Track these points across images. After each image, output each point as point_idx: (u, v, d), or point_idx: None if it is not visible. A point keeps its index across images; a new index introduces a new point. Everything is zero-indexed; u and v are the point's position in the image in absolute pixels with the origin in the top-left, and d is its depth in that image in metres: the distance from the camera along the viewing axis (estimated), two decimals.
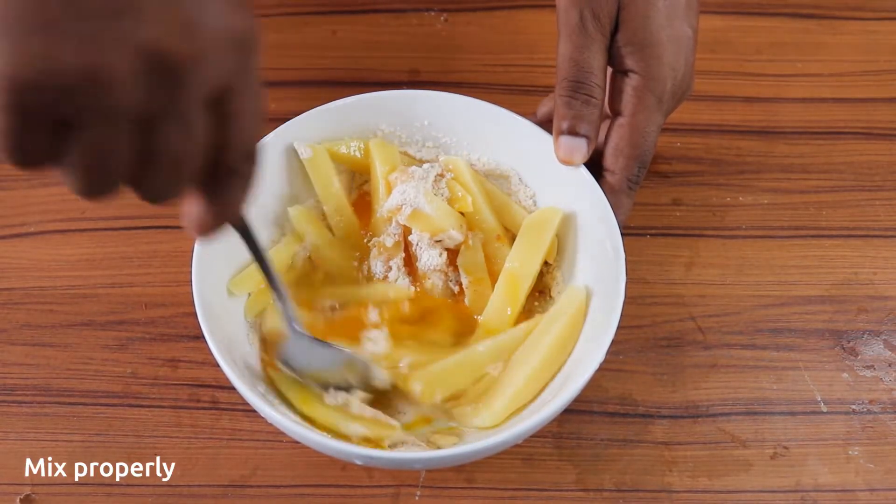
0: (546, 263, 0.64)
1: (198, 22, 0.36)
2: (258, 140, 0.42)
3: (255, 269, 0.56)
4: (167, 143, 0.37)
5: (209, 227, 0.43)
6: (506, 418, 0.57)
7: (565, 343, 0.59)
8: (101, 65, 0.34)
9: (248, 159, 0.41)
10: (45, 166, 0.38)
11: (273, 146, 0.63)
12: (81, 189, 0.39)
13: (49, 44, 0.34)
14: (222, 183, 0.41)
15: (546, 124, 0.63)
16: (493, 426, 0.56)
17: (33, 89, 0.34)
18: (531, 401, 0.57)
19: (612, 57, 0.61)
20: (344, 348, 0.58)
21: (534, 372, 0.58)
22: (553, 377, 0.58)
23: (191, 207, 0.42)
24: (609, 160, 0.61)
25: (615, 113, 0.61)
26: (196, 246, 0.57)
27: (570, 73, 0.60)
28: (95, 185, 0.38)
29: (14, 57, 0.34)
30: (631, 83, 0.60)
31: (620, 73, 0.61)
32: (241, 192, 0.42)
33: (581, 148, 0.60)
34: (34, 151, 0.36)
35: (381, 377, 0.58)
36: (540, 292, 0.64)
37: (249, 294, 0.62)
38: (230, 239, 0.48)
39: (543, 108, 0.68)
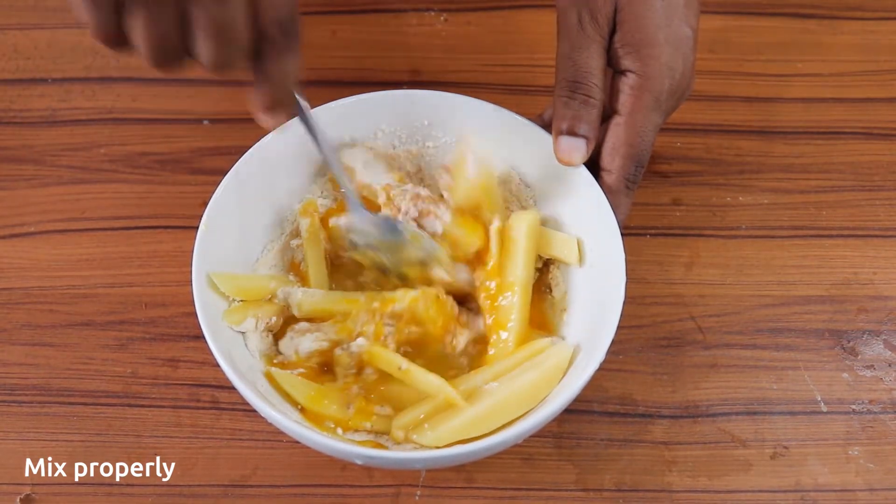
0: (546, 264, 0.64)
1: None
2: (292, 14, 0.48)
3: (247, 302, 0.60)
4: (209, 11, 0.45)
5: (269, 106, 0.51)
6: (448, 444, 0.55)
7: (535, 392, 0.57)
8: None
9: (284, 30, 0.48)
10: (121, 43, 0.46)
11: (274, 144, 0.62)
12: (151, 59, 0.47)
13: None
14: (268, 56, 0.48)
15: (551, 126, 0.63)
16: (435, 447, 0.55)
17: None
18: (481, 436, 0.55)
19: (611, 58, 0.61)
20: (409, 226, 0.61)
21: (489, 411, 0.56)
22: (513, 420, 0.56)
23: (253, 92, 0.50)
24: (606, 159, 0.61)
25: (613, 113, 0.61)
26: (196, 245, 0.57)
27: (568, 74, 0.60)
28: (160, 55, 0.47)
29: None
30: (628, 83, 0.60)
31: (619, 73, 0.61)
32: (287, 66, 0.49)
33: (580, 148, 0.60)
34: (108, 28, 0.46)
35: (438, 259, 0.61)
36: (543, 289, 0.64)
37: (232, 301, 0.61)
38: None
39: (550, 111, 0.68)
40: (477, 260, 0.63)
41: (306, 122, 0.58)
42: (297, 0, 0.48)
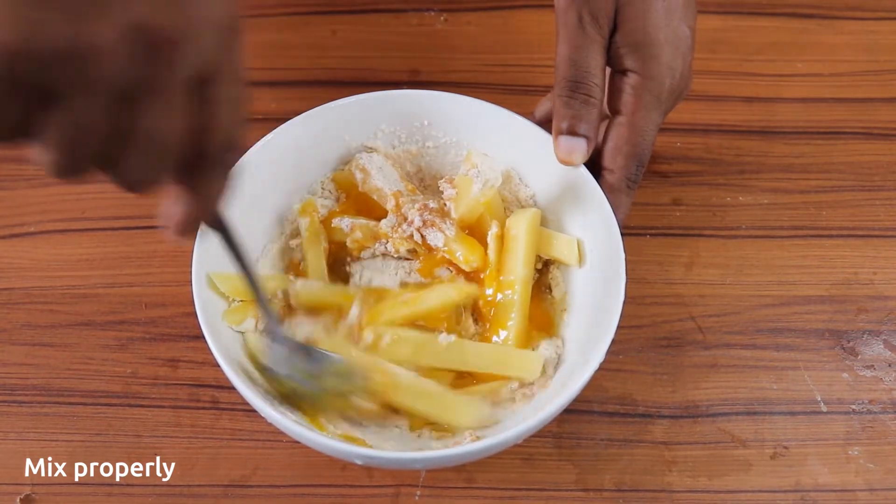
0: (546, 264, 0.64)
1: (186, 2, 0.37)
2: (240, 132, 0.42)
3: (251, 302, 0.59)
4: (147, 121, 0.37)
5: (187, 224, 0.43)
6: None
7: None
8: (88, 35, 0.34)
9: (229, 149, 0.41)
10: (18, 139, 0.37)
11: (274, 144, 0.62)
12: (55, 165, 0.38)
13: (40, 14, 0.34)
14: (201, 173, 0.41)
15: (545, 124, 0.63)
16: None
17: (19, 56, 0.34)
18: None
19: (611, 57, 0.61)
20: (333, 354, 0.58)
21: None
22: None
23: (169, 205, 0.42)
24: (607, 159, 0.61)
25: (614, 112, 0.62)
26: (196, 245, 0.57)
27: (568, 73, 0.60)
28: (70, 163, 0.38)
29: (4, 25, 0.34)
30: (629, 82, 0.60)
31: (619, 72, 0.61)
32: (220, 184, 0.43)
33: (580, 148, 0.60)
34: (11, 121, 0.36)
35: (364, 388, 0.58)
36: (543, 289, 0.64)
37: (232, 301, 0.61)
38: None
39: (542, 108, 0.68)
40: (475, 276, 0.63)
41: (229, 239, 0.50)
42: (245, 120, 0.42)
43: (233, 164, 0.43)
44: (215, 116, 0.40)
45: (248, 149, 0.60)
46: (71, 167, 0.38)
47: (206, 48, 0.38)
